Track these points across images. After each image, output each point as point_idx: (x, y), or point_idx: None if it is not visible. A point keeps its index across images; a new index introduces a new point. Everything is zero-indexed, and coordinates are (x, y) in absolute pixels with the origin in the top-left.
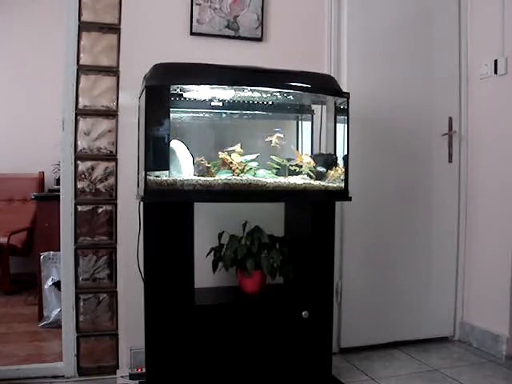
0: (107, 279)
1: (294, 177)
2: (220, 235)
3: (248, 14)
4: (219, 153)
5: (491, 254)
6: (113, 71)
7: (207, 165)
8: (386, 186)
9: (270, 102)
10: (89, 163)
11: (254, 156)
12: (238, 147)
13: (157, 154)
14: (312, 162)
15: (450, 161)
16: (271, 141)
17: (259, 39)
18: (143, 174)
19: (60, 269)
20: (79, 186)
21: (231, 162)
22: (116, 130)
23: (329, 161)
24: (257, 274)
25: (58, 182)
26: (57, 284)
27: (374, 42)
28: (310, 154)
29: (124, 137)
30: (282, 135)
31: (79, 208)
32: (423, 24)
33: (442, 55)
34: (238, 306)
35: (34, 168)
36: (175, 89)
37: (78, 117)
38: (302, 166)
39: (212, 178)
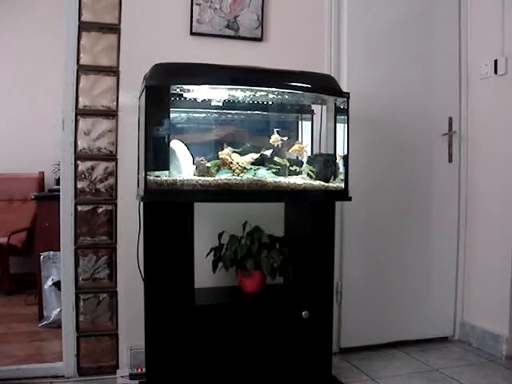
0: (107, 279)
1: (294, 177)
2: (220, 235)
3: (248, 14)
4: (219, 153)
5: (491, 254)
6: (113, 71)
7: (207, 165)
8: (386, 186)
9: (270, 102)
10: (89, 163)
11: (256, 155)
12: (227, 150)
13: (157, 154)
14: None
15: (450, 161)
16: (275, 143)
17: (259, 39)
18: (143, 174)
19: (60, 269)
20: (79, 185)
21: (231, 162)
22: (116, 130)
23: (329, 161)
24: (257, 274)
25: (57, 182)
26: (57, 284)
27: (374, 42)
28: (309, 154)
29: (124, 137)
30: (282, 138)
31: (79, 208)
32: (423, 24)
33: (442, 55)
34: (238, 306)
35: (34, 168)
36: (175, 89)
37: (78, 117)
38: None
39: (212, 178)
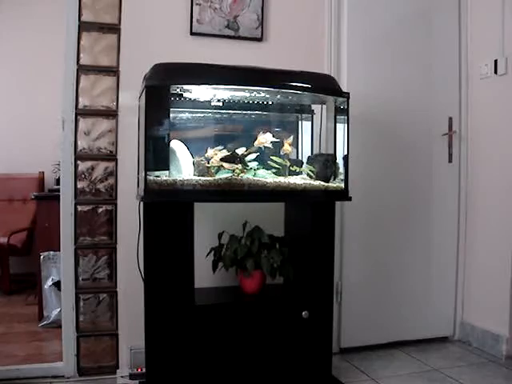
0: (107, 279)
1: (294, 177)
2: (220, 235)
3: (248, 14)
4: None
5: (491, 254)
6: (113, 71)
7: (207, 165)
8: (386, 186)
9: (270, 102)
10: (89, 163)
11: (253, 155)
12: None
13: (157, 154)
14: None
15: (450, 161)
16: (260, 145)
17: (259, 39)
18: (143, 174)
19: (60, 269)
20: (79, 186)
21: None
22: (116, 130)
23: (329, 161)
24: (257, 274)
25: (57, 181)
26: (57, 284)
27: (374, 42)
28: (310, 153)
29: (124, 137)
30: (267, 138)
31: (79, 208)
32: (423, 24)
33: (442, 55)
34: (238, 306)
35: (34, 168)
36: (175, 89)
37: (78, 117)
38: (301, 165)
39: (212, 178)
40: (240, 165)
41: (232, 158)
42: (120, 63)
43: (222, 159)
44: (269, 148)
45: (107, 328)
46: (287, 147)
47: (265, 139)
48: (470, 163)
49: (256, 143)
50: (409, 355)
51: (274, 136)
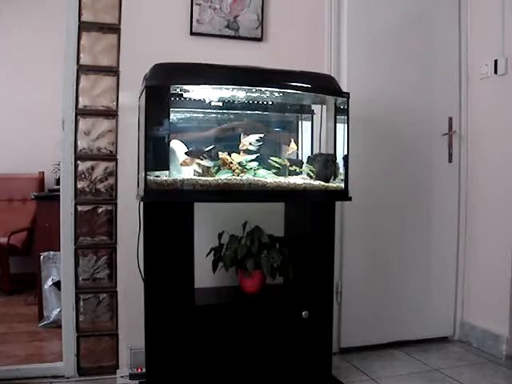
0: (107, 279)
1: (294, 177)
2: (220, 235)
3: (248, 14)
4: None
5: (491, 254)
6: (113, 71)
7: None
8: (386, 186)
9: (270, 102)
10: (89, 163)
11: (253, 156)
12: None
13: (157, 154)
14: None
15: (450, 161)
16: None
17: (259, 39)
18: (143, 174)
19: (60, 269)
20: (79, 186)
21: (231, 162)
22: (116, 130)
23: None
24: (257, 273)
25: (57, 181)
26: (57, 284)
27: (374, 42)
28: (310, 153)
29: (124, 137)
30: (250, 140)
31: (79, 208)
32: (423, 24)
33: (442, 55)
34: (238, 306)
35: (34, 168)
36: (175, 89)
37: (78, 117)
38: (301, 166)
39: (212, 178)
40: (206, 160)
41: (196, 152)
42: (120, 63)
43: (186, 153)
44: (252, 150)
45: (107, 328)
46: (294, 146)
47: (248, 141)
48: (470, 163)
49: (240, 146)
50: (409, 355)
51: (265, 137)
